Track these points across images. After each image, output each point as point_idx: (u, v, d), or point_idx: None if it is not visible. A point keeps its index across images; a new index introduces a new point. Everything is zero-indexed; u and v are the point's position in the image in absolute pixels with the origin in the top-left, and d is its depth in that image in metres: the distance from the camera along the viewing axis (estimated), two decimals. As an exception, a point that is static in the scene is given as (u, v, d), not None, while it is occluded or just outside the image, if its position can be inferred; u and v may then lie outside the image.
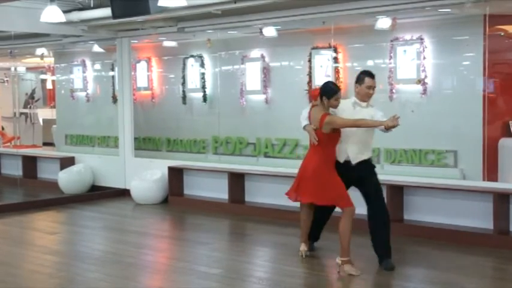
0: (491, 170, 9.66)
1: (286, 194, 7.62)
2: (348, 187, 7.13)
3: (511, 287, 6.81)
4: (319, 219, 7.66)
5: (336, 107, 7.09)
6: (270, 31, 11.39)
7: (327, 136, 6.99)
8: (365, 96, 7.16)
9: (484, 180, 9.40)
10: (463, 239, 8.14)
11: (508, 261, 7.53)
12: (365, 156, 7.19)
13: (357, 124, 6.95)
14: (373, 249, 7.19)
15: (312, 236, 7.79)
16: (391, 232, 7.14)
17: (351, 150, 7.12)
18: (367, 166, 7.23)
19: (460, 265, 7.32)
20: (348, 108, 7.15)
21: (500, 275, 7.31)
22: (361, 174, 7.14)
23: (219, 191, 10.82)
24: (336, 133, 7.02)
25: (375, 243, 7.18)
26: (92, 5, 10.80)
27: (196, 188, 11.35)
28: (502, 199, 8.05)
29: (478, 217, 8.29)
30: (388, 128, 6.78)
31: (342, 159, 7.16)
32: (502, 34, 10.14)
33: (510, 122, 10.04)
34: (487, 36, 9.47)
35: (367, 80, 7.14)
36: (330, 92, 7.05)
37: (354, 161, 7.13)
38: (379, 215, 7.13)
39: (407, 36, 10.46)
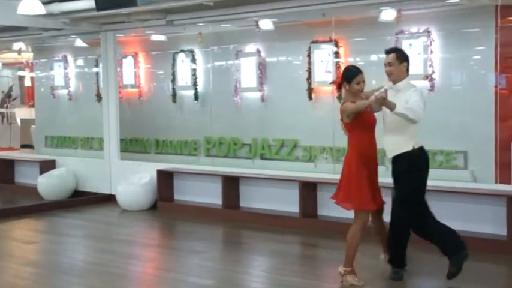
0: (504, 171, 9.72)
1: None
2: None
3: None
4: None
5: (359, 92, 6.87)
6: (266, 24, 11.42)
7: (350, 126, 6.86)
8: (388, 75, 6.95)
9: (496, 182, 9.49)
10: (474, 245, 8.09)
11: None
12: (400, 150, 6.87)
13: (358, 108, 6.74)
14: None
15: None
16: (403, 243, 6.99)
17: (386, 142, 7.00)
18: (403, 162, 6.89)
19: (471, 274, 7.33)
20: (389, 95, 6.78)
21: (513, 284, 7.37)
22: (394, 172, 7.00)
23: (212, 195, 10.84)
24: (357, 120, 6.79)
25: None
26: (74, -4, 10.86)
27: (188, 192, 11.36)
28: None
29: (490, 222, 8.32)
30: (380, 104, 6.58)
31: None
32: (516, 26, 10.24)
33: (525, 120, 10.13)
34: (499, 29, 9.54)
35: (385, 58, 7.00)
36: (348, 75, 6.88)
37: (389, 155, 7.00)
38: (390, 223, 7.03)
39: (414, 29, 10.51)
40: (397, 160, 6.91)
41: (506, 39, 9.64)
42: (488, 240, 8.21)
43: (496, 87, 9.75)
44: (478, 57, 10.31)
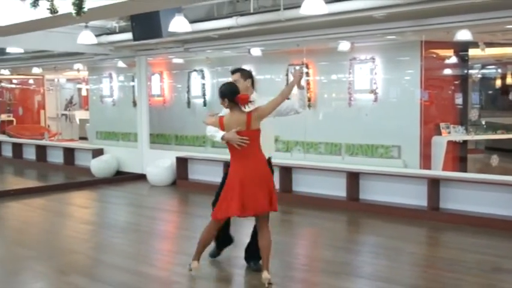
0: (425, 160, 9.85)
1: None
2: None
3: (441, 251, 6.96)
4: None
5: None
6: (256, 51, 11.46)
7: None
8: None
9: (420, 168, 9.57)
10: (403, 213, 8.19)
11: (438, 231, 7.66)
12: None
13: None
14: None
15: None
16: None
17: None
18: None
19: (400, 233, 7.44)
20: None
21: (433, 241, 7.45)
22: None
23: (216, 176, 10.81)
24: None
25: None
26: (117, 30, 10.87)
27: (198, 173, 11.32)
28: (434, 183, 8.19)
29: (416, 196, 8.36)
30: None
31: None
32: (435, 56, 10.30)
33: (440, 123, 10.19)
34: (423, 57, 9.66)
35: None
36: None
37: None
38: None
39: (363, 57, 10.57)
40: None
41: (428, 65, 9.77)
42: (414, 209, 8.28)
43: (420, 99, 9.82)
44: (408, 78, 10.34)
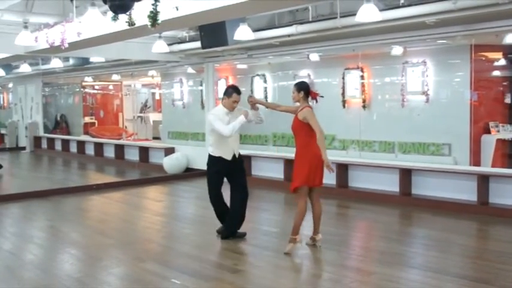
0: (475, 158, 9.62)
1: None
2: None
3: (490, 243, 6.78)
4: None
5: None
6: (314, 57, 11.43)
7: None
8: (231, 107, 6.49)
9: (470, 165, 9.35)
10: (454, 207, 8.04)
11: (487, 225, 7.46)
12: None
13: None
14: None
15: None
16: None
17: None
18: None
19: (452, 226, 7.28)
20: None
21: (482, 234, 7.26)
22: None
23: (278, 172, 10.88)
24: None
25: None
26: (187, 39, 11.07)
27: (262, 170, 11.39)
28: (483, 179, 7.98)
29: (466, 192, 8.17)
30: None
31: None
32: (484, 59, 10.02)
33: (489, 122, 9.91)
34: (472, 60, 9.45)
35: (234, 95, 6.45)
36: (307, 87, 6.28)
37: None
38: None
39: (415, 60, 10.38)
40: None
41: (478, 68, 9.54)
42: (463, 204, 8.09)
43: (470, 100, 9.59)
44: (458, 79, 10.09)
